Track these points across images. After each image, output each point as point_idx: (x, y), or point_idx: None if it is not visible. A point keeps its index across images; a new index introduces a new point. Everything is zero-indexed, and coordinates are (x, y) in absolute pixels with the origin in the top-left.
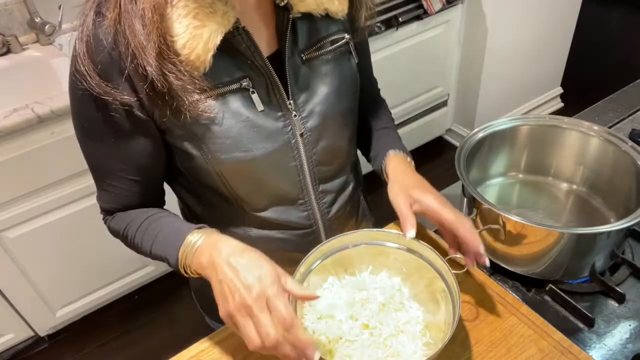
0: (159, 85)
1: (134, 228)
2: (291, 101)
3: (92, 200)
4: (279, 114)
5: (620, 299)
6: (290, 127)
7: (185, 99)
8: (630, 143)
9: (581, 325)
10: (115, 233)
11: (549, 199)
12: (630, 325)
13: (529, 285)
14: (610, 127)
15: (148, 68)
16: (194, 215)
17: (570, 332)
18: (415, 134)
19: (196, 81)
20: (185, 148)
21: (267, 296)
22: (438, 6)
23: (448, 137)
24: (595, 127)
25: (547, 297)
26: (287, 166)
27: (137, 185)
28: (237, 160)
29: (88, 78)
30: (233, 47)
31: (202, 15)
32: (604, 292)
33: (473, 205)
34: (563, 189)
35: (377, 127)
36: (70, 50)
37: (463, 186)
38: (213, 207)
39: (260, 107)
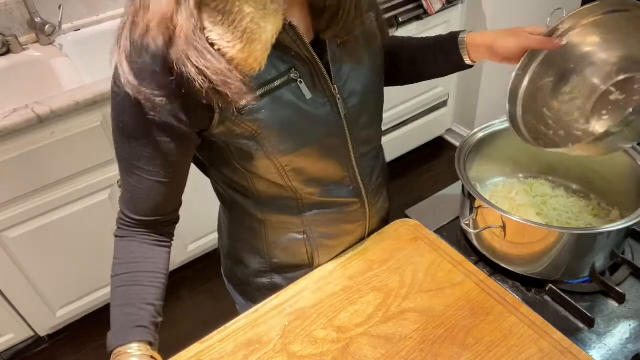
0: (210, 91)
1: (118, 272)
2: (335, 85)
3: (92, 200)
4: (324, 99)
5: (620, 299)
6: (335, 110)
7: (241, 100)
8: None
9: (581, 325)
10: (115, 249)
11: (549, 199)
12: (630, 325)
13: (529, 285)
14: None
15: (198, 77)
16: (238, 203)
17: (570, 332)
18: (415, 134)
19: (249, 83)
20: (245, 147)
21: None
22: (438, 6)
23: (448, 137)
24: None
25: (547, 297)
26: (334, 147)
27: (161, 186)
28: (294, 150)
29: (129, 85)
30: (279, 42)
31: (257, 19)
32: (604, 292)
33: (473, 205)
34: (562, 188)
35: (415, 40)
36: (66, 50)
37: (463, 186)
38: (267, 196)
39: (308, 95)
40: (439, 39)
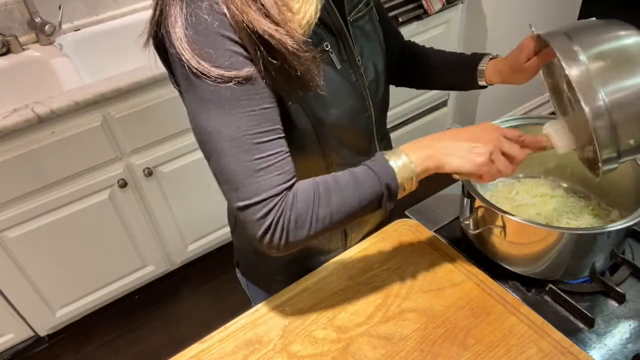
0: (276, 51)
1: (324, 188)
2: (359, 57)
3: (92, 200)
4: (351, 70)
5: (620, 299)
6: (360, 81)
7: (301, 60)
8: None
9: (581, 325)
10: (300, 220)
11: (549, 199)
12: (630, 325)
13: (529, 285)
14: None
15: (266, 33)
16: None
17: (570, 332)
18: (415, 134)
19: (304, 44)
20: (293, 111)
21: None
22: (438, 6)
23: None
24: None
25: (547, 297)
26: (362, 116)
27: (286, 143)
28: (333, 118)
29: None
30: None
31: None
32: (604, 292)
33: (473, 205)
34: (562, 188)
35: (435, 51)
36: (66, 50)
37: (463, 186)
38: (300, 163)
39: (338, 65)
40: (462, 59)
